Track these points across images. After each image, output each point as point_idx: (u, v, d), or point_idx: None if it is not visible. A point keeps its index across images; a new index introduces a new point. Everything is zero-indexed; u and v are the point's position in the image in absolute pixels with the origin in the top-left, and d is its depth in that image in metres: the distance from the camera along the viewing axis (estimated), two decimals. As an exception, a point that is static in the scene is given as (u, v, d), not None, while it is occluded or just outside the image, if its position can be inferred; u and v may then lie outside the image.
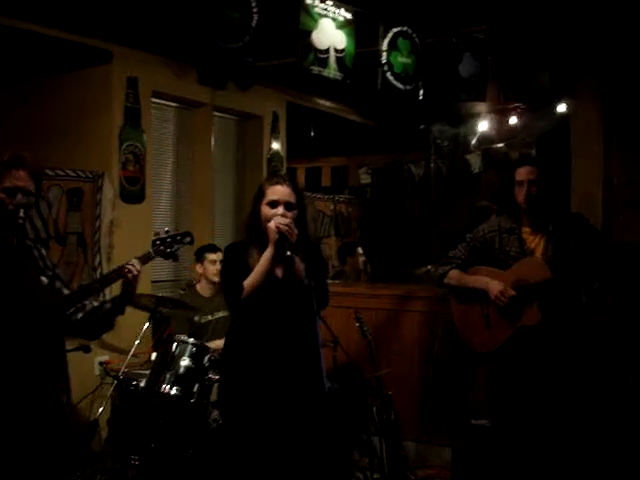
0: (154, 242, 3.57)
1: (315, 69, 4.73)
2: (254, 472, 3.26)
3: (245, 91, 6.90)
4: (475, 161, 8.94)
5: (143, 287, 5.39)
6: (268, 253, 3.23)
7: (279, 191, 3.29)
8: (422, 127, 9.13)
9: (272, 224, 3.21)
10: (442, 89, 5.34)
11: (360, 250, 7.21)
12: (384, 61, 5.12)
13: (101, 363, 5.15)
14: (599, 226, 4.84)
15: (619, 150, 4.92)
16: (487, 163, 8.97)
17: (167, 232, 3.51)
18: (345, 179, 10.00)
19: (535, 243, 3.95)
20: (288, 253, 3.14)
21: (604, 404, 4.14)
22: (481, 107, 7.87)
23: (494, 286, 3.91)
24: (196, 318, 5.07)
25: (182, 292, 6.00)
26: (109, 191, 5.63)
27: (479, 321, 4.02)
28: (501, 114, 8.19)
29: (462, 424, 4.54)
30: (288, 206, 3.28)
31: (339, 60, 4.84)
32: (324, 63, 4.74)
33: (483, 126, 8.63)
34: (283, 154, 7.40)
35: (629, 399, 3.22)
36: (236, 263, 3.33)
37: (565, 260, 3.83)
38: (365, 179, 9.59)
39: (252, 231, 3.36)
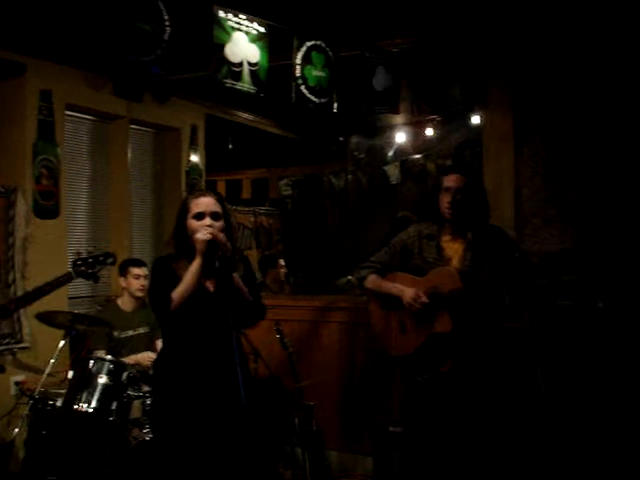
0: (75, 262, 3.53)
1: (229, 82, 4.74)
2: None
3: (162, 104, 6.86)
4: (393, 172, 9.09)
5: (59, 304, 5.30)
6: (196, 264, 3.24)
7: (204, 203, 3.31)
8: (341, 139, 9.24)
9: (199, 235, 3.23)
10: (357, 102, 5.41)
11: (282, 262, 7.23)
12: (298, 74, 5.16)
13: (17, 383, 5.02)
14: (513, 236, 4.98)
15: (529, 161, 5.07)
16: (405, 174, 9.13)
17: (89, 252, 3.49)
18: (266, 191, 10.01)
19: (453, 251, 4.01)
20: (217, 264, 3.16)
21: (516, 409, 4.26)
22: (398, 119, 7.99)
23: (407, 293, 3.96)
24: (116, 333, 4.99)
25: (99, 308, 5.90)
26: (22, 206, 5.49)
27: (395, 326, 4.08)
28: (417, 126, 8.35)
29: (381, 432, 4.60)
30: (214, 216, 3.30)
31: (253, 73, 4.85)
32: (238, 76, 4.75)
33: (400, 138, 8.78)
34: (202, 167, 7.37)
35: (540, 404, 3.32)
36: (165, 276, 3.33)
37: (479, 271, 3.91)
38: (286, 191, 9.63)
39: (180, 246, 3.37)
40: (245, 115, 8.03)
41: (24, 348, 5.31)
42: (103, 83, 6.17)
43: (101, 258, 3.34)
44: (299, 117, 7.49)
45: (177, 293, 3.21)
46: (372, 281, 4.16)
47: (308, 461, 4.68)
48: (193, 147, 7.26)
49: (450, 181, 3.97)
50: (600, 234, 4.90)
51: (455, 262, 3.98)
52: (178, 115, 7.10)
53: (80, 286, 6.12)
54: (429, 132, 8.45)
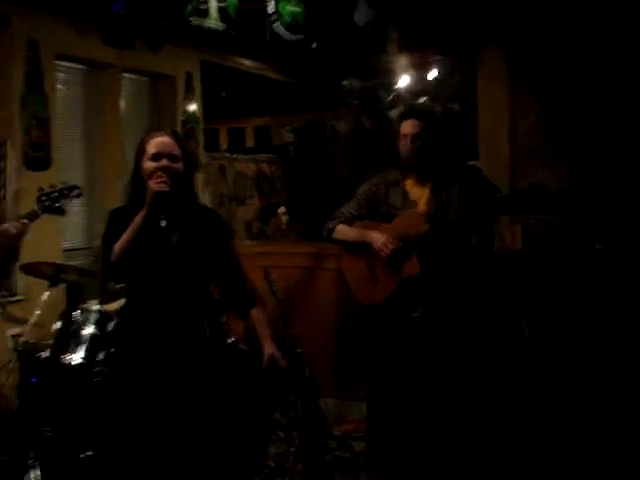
0: (39, 198, 3.40)
1: (195, 20, 4.57)
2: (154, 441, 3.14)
3: (155, 51, 6.69)
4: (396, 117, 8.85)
5: (53, 256, 5.26)
6: (141, 215, 2.96)
7: (161, 143, 3.01)
8: (345, 83, 9.02)
9: (152, 184, 2.95)
10: (338, 39, 5.19)
11: (282, 209, 7.12)
12: (272, 10, 4.96)
13: (14, 336, 5.00)
14: (506, 175, 4.87)
15: (524, 96, 4.90)
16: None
17: (52, 187, 3.35)
18: (269, 139, 9.85)
19: (419, 195, 3.96)
20: (163, 224, 2.90)
21: (498, 353, 4.20)
22: (397, 61, 7.79)
23: (377, 238, 3.90)
24: (111, 283, 4.94)
25: (93, 258, 5.86)
26: (13, 159, 5.45)
27: (366, 275, 4.02)
28: (418, 67, 8.11)
29: (374, 377, 4.53)
30: (172, 158, 3.01)
31: (221, 10, 4.67)
32: (204, 13, 4.57)
33: (404, 81, 8.53)
34: (199, 115, 7.25)
35: (524, 348, 3.23)
36: (115, 227, 3.06)
37: (446, 213, 3.86)
38: (288, 138, 9.47)
39: (135, 192, 3.09)
40: (244, 61, 7.85)
41: (18, 301, 5.29)
42: (91, 31, 6.02)
43: (66, 191, 3.21)
44: (297, 61, 7.31)
45: (117, 245, 2.97)
46: (341, 231, 4.11)
47: (302, 407, 4.64)
48: (189, 95, 7.14)
49: (407, 127, 3.90)
50: (598, 173, 4.76)
51: (421, 205, 3.93)
52: (172, 62, 6.98)
53: (75, 237, 6.10)
54: (432, 74, 8.19)
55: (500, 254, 4.37)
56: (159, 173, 2.96)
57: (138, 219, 2.96)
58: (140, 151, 3.07)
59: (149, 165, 3.01)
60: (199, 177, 7.07)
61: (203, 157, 7.19)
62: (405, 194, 3.97)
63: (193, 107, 7.15)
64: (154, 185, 2.93)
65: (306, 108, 9.57)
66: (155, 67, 6.85)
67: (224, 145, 9.52)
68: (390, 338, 4.01)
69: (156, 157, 3.00)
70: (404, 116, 4.03)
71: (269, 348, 3.23)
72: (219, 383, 3.15)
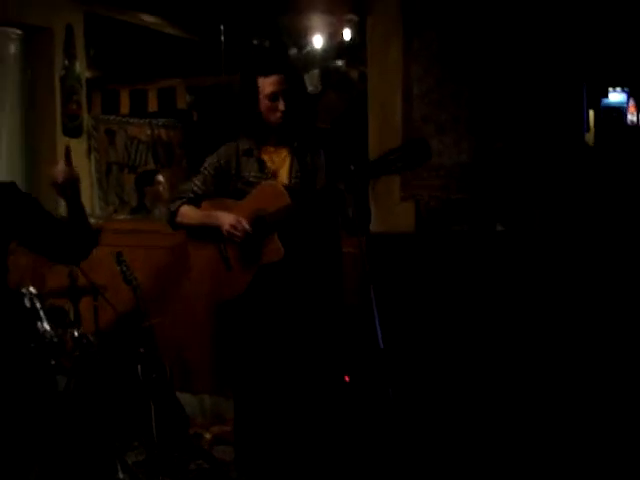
0: None
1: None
2: None
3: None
4: (312, 81, 8.21)
5: None
6: None
7: None
8: (255, 43, 8.34)
9: None
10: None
11: (160, 178, 6.39)
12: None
13: None
14: (398, 142, 4.27)
15: (420, 55, 4.29)
16: (325, 83, 8.26)
17: None
18: (174, 103, 9.07)
19: (278, 164, 3.42)
20: None
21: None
22: (312, 19, 7.19)
23: (225, 220, 3.34)
24: None
25: None
26: None
27: (219, 265, 3.45)
28: (333, 27, 7.49)
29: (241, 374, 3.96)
30: None
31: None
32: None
33: (317, 41, 7.88)
34: (80, 73, 6.47)
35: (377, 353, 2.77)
36: None
37: (312, 182, 3.35)
38: (190, 100, 8.74)
39: None
40: (134, 14, 7.08)
41: None
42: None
43: None
44: (205, 16, 6.62)
45: None
46: (185, 213, 3.53)
47: (157, 412, 4.01)
48: (69, 51, 6.35)
49: (274, 84, 3.35)
50: (502, 147, 4.20)
51: (282, 176, 3.40)
52: (48, 13, 6.17)
53: None
54: (347, 34, 7.58)
55: (388, 236, 3.80)
56: None
57: None
58: None
59: None
60: (82, 143, 6.38)
61: (87, 121, 6.44)
62: (262, 164, 3.42)
63: (74, 64, 6.38)
64: None
65: (218, 70, 8.83)
66: (28, 18, 6.06)
67: (125, 109, 8.73)
68: (252, 337, 3.49)
69: None
70: (265, 71, 3.42)
71: None
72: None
